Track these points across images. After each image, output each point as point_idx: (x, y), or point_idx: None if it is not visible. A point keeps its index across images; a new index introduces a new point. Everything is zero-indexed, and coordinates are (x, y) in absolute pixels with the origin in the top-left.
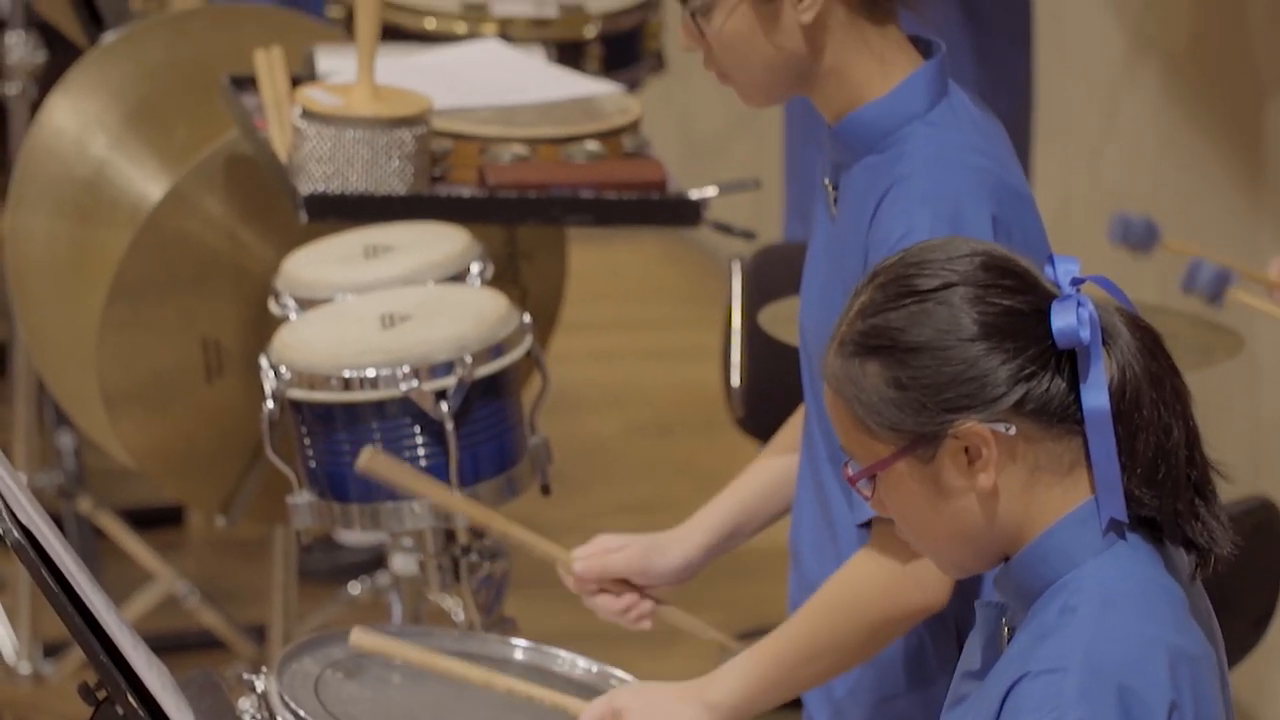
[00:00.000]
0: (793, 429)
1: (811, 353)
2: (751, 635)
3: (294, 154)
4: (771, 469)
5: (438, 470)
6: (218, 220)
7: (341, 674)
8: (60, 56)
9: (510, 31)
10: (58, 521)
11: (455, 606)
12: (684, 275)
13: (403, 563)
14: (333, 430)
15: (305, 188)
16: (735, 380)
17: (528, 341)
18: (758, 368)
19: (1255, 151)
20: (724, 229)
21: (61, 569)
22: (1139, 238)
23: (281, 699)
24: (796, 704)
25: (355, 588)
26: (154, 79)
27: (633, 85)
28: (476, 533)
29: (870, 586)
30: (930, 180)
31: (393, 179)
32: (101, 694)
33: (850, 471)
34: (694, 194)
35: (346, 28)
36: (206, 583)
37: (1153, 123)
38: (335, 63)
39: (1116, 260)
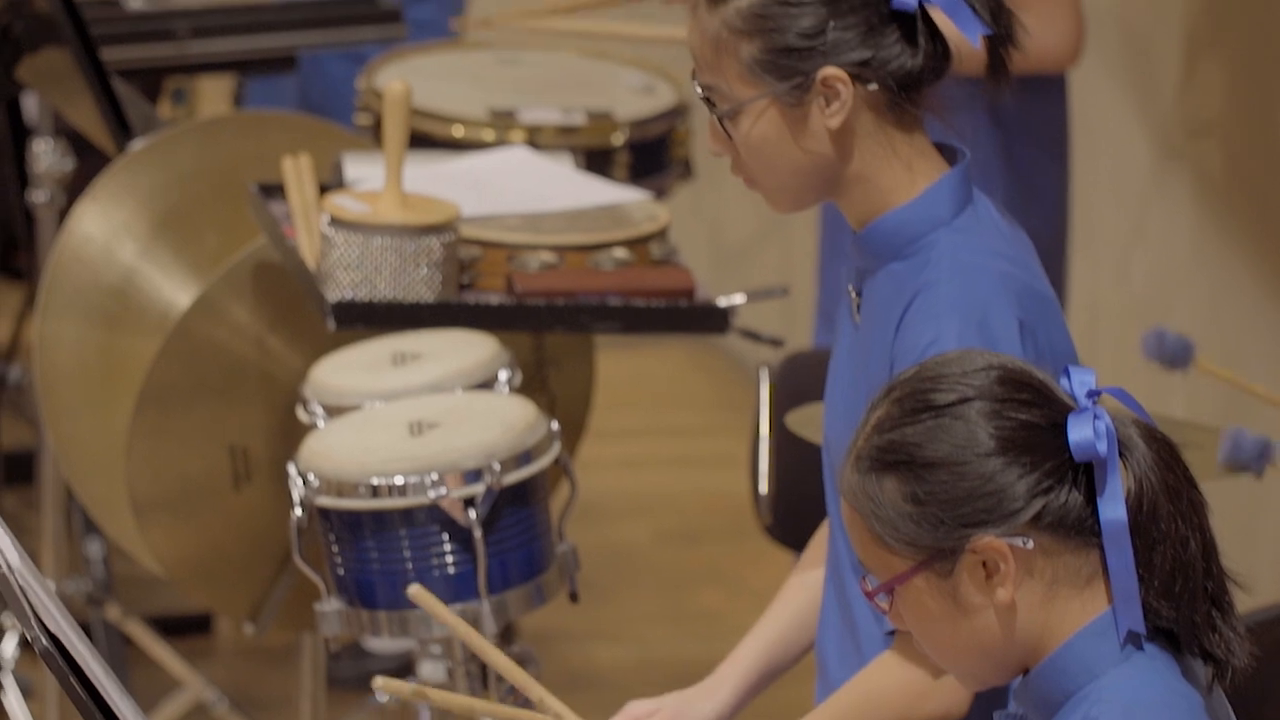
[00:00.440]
0: (822, 539)
1: (834, 461)
2: None
3: (322, 261)
4: (806, 586)
5: (466, 577)
6: (246, 328)
7: None
8: (88, 164)
9: (538, 139)
10: (86, 629)
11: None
12: (712, 382)
13: (431, 669)
14: (361, 537)
15: (333, 295)
16: (763, 488)
17: (556, 449)
18: (786, 475)
19: None
20: (752, 336)
21: (90, 677)
22: (1173, 355)
23: None
24: None
25: (383, 695)
26: (182, 186)
27: (660, 192)
28: (505, 639)
29: (890, 690)
30: (956, 287)
31: (420, 286)
32: None
33: (868, 586)
34: (722, 301)
35: (374, 135)
36: (235, 690)
37: (1183, 233)
38: (363, 170)
39: (1145, 370)
